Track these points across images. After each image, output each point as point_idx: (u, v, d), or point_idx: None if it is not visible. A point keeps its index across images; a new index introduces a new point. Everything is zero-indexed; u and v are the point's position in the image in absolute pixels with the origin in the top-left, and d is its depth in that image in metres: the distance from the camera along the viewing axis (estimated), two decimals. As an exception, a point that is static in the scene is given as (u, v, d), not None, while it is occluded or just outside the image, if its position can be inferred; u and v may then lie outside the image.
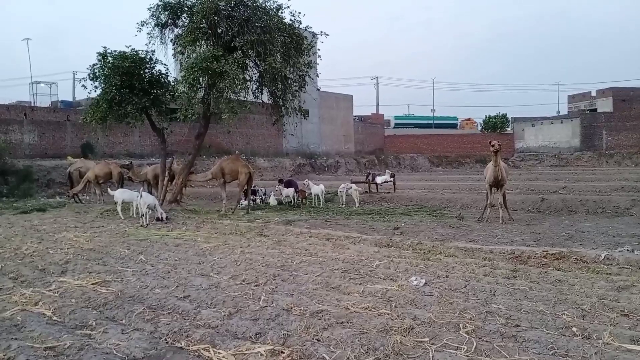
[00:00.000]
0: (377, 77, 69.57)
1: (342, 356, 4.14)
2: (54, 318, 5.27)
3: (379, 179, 21.15)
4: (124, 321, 5.14)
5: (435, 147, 52.89)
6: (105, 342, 4.48)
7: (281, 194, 17.71)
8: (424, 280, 6.36)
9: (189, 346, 4.42)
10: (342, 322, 4.92)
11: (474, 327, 4.69)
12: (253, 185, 17.02)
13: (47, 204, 17.99)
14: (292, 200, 17.43)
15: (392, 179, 21.17)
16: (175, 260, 8.05)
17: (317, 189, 17.79)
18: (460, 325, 4.75)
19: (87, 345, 4.39)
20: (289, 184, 18.55)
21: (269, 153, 39.87)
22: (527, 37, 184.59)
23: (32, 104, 39.91)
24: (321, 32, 17.03)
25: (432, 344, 4.35)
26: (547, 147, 50.51)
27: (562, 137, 50.20)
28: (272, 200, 18.07)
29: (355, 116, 54.15)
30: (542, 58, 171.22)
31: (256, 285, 6.38)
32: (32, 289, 6.41)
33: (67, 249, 9.17)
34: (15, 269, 7.71)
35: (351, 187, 17.36)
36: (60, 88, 63.62)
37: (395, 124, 65.91)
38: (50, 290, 6.34)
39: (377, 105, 68.08)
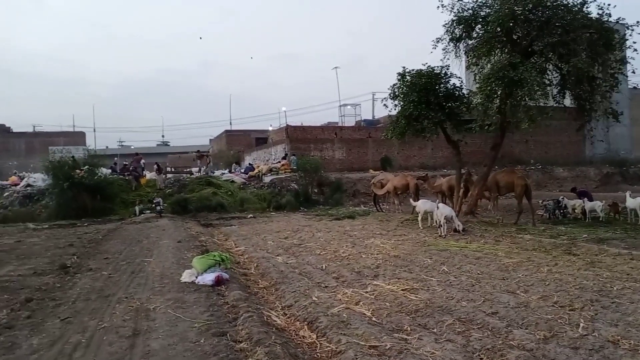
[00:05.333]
0: None
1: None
2: (373, 319, 5.82)
3: None
4: (435, 330, 5.34)
5: None
6: (421, 349, 4.72)
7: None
8: None
9: (504, 366, 4.31)
10: (693, 368, 4.09)
11: None
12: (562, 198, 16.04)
13: (355, 212, 20.21)
14: (600, 215, 15.43)
15: None
16: (478, 273, 7.99)
17: (634, 202, 15.28)
18: None
19: (405, 349, 4.72)
20: (582, 194, 16.58)
21: (569, 162, 36.30)
22: None
23: (340, 124, 45.54)
24: (638, 22, 14.66)
25: None
26: None
27: None
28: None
29: (683, 114, 44.69)
30: None
31: (571, 310, 5.82)
32: (352, 289, 7.24)
33: (376, 254, 10.10)
34: (337, 269, 8.87)
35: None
36: (362, 108, 70.72)
37: None
38: (367, 292, 7.05)
39: None
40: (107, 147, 67.65)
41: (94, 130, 65.25)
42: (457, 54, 16.69)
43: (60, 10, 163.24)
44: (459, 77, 17.13)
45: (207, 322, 5.76)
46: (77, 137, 59.34)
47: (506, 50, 15.23)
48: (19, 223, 20.63)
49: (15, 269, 9.86)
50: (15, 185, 26.63)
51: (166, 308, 6.43)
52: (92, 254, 11.57)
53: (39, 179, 25.74)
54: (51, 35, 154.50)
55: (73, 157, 25.38)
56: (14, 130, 61.05)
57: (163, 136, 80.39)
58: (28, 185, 25.63)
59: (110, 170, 27.68)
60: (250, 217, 20.79)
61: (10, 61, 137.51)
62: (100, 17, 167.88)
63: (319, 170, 26.49)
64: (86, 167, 23.42)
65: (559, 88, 15.89)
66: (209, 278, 7.82)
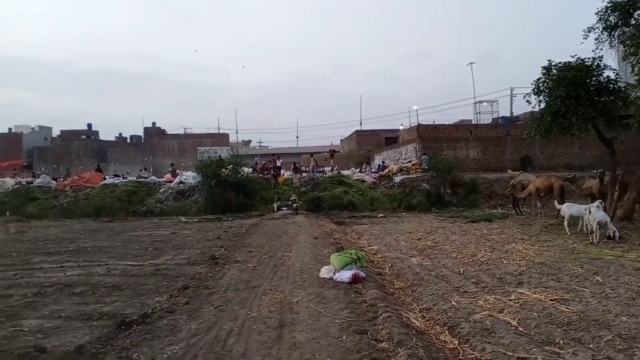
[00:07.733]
0: None
1: None
2: (520, 329, 5.52)
3: None
4: (592, 346, 4.92)
5: None
6: (577, 364, 4.40)
7: None
8: None
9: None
10: None
11: None
12: None
13: (492, 214, 19.28)
14: None
15: None
16: (639, 286, 7.20)
17: None
18: None
19: (558, 363, 4.42)
20: None
21: None
22: None
23: (475, 122, 43.77)
24: None
25: None
26: None
27: None
28: None
29: None
30: None
31: None
32: (493, 296, 6.94)
33: (519, 260, 9.55)
34: (476, 274, 8.54)
35: None
36: (500, 105, 67.21)
37: None
38: (510, 300, 6.70)
39: None
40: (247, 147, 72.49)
41: (236, 132, 70.12)
42: (612, 44, 15.19)
43: (207, 25, 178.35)
44: (614, 69, 15.54)
45: (348, 319, 5.91)
46: (221, 138, 64.37)
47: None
48: (173, 216, 22.97)
49: (172, 258, 11.01)
50: (170, 182, 29.61)
51: (308, 302, 6.72)
52: (238, 246, 12.48)
53: (190, 177, 28.33)
54: (197, 46, 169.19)
55: (220, 157, 27.48)
56: (168, 132, 67.95)
57: (297, 137, 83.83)
58: (181, 182, 28.34)
59: (251, 169, 29.54)
60: (381, 216, 20.85)
61: (165, 71, 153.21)
62: (240, 27, 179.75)
63: (452, 170, 25.66)
64: (230, 166, 25.28)
65: None
66: (346, 275, 8.01)
